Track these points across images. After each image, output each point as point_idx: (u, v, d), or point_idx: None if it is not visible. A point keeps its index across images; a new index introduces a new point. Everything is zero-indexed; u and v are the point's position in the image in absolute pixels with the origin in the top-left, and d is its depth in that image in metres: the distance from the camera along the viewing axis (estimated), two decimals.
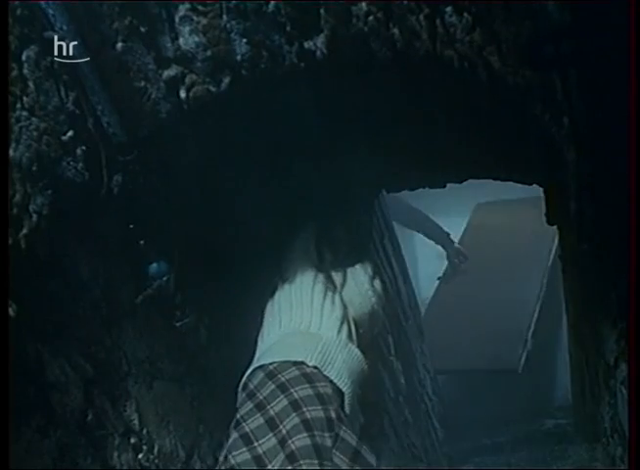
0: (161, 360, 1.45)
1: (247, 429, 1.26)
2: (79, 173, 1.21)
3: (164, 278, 1.41)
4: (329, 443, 1.20)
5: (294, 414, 1.24)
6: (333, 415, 1.26)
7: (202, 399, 1.58)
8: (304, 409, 1.25)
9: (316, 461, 1.16)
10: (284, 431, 1.23)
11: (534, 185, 1.80)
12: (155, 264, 1.39)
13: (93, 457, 1.17)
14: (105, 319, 1.28)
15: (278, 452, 1.21)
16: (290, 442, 1.20)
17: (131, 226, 1.35)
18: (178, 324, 1.49)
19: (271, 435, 1.24)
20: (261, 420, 1.27)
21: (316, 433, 1.21)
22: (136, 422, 1.33)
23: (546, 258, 3.95)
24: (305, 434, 1.20)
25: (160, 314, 1.47)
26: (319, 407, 1.26)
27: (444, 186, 2.07)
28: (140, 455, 1.32)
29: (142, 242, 1.37)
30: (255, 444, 1.24)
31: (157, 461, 1.37)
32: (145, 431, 1.35)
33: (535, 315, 3.74)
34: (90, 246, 1.25)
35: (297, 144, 1.64)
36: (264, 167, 1.69)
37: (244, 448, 1.23)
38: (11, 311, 0.97)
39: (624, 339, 1.38)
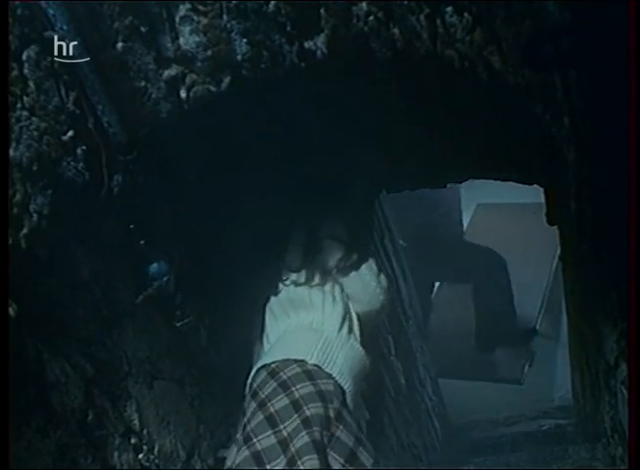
0: (162, 360, 1.45)
1: (248, 429, 1.26)
2: (80, 173, 1.20)
3: (165, 278, 1.41)
4: (325, 441, 1.21)
5: (295, 416, 1.24)
6: (331, 414, 1.26)
7: (202, 399, 1.58)
8: (305, 408, 1.24)
9: (315, 456, 1.16)
10: (285, 433, 1.23)
11: (535, 185, 1.80)
12: (155, 264, 1.39)
13: (93, 457, 1.17)
14: (105, 319, 1.28)
15: (279, 454, 1.21)
16: (291, 445, 1.20)
17: (131, 226, 1.35)
18: (178, 324, 1.49)
19: (270, 432, 1.24)
20: (261, 417, 1.27)
21: (315, 429, 1.21)
22: (136, 422, 1.33)
23: (548, 269, 3.94)
24: (304, 432, 1.20)
25: (161, 314, 1.47)
26: (319, 404, 1.26)
27: (444, 186, 2.07)
28: (140, 455, 1.32)
29: (142, 242, 1.37)
30: (255, 440, 1.24)
31: (157, 461, 1.37)
32: (145, 431, 1.35)
33: (539, 323, 3.75)
34: (90, 246, 1.25)
35: (297, 144, 1.64)
36: (264, 167, 1.69)
37: (243, 447, 1.23)
38: (11, 311, 0.97)
39: (624, 339, 1.38)
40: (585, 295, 1.78)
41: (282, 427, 1.24)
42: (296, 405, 1.26)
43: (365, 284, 1.58)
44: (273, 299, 1.57)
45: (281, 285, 1.58)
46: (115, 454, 1.24)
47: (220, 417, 1.64)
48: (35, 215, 1.07)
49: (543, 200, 1.77)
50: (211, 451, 1.58)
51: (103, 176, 1.26)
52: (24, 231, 1.04)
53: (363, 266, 1.60)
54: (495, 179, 1.90)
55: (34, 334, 1.08)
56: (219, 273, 1.66)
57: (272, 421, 1.25)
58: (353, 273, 1.59)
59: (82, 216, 1.22)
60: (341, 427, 1.25)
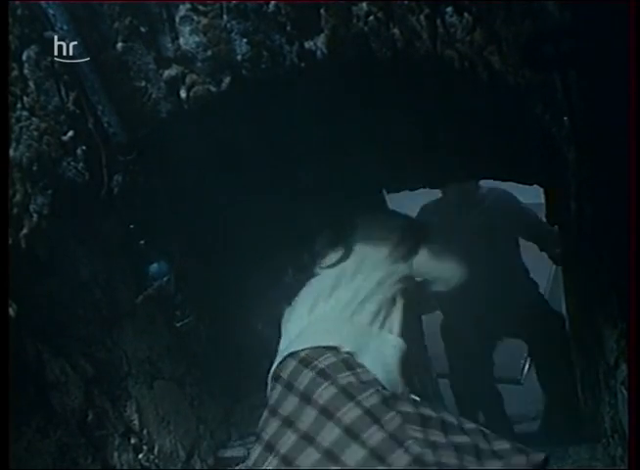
0: (162, 360, 1.45)
1: (301, 426, 1.23)
2: (80, 173, 1.21)
3: (165, 278, 1.41)
4: (399, 420, 1.19)
5: (350, 403, 1.21)
6: (387, 394, 1.25)
7: (202, 399, 1.58)
8: (359, 398, 1.22)
9: (401, 450, 1.15)
10: (345, 421, 1.20)
11: (535, 185, 1.80)
12: (155, 264, 1.39)
13: (93, 457, 1.17)
14: (105, 319, 1.28)
15: (346, 442, 1.18)
16: (363, 435, 1.18)
17: (131, 226, 1.35)
18: (178, 324, 1.49)
19: (331, 424, 1.21)
20: (314, 413, 1.24)
21: (382, 420, 1.18)
22: (136, 422, 1.33)
23: (548, 270, 3.94)
24: (375, 428, 1.18)
25: (161, 315, 1.47)
26: (372, 391, 1.23)
27: (445, 186, 2.08)
28: (140, 455, 1.32)
29: (142, 242, 1.37)
30: (313, 437, 1.21)
31: (157, 461, 1.37)
32: (145, 431, 1.35)
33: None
34: (90, 246, 1.25)
35: (297, 143, 1.64)
36: (264, 167, 1.69)
37: (287, 432, 1.22)
38: (11, 311, 0.97)
39: (624, 339, 1.38)
40: (585, 295, 1.78)
41: (338, 415, 1.21)
42: (346, 393, 1.24)
43: (442, 263, 1.55)
44: (303, 289, 1.52)
45: (310, 275, 1.53)
46: (115, 454, 1.24)
47: (220, 417, 1.65)
48: (35, 215, 1.07)
49: (543, 200, 1.77)
50: (211, 451, 1.58)
51: (103, 176, 1.26)
52: (24, 231, 1.05)
53: (436, 247, 1.55)
54: (495, 179, 1.90)
55: (34, 334, 1.08)
56: (219, 273, 1.66)
57: (328, 414, 1.22)
58: (427, 255, 1.54)
59: (82, 216, 1.22)
60: (399, 401, 1.24)
